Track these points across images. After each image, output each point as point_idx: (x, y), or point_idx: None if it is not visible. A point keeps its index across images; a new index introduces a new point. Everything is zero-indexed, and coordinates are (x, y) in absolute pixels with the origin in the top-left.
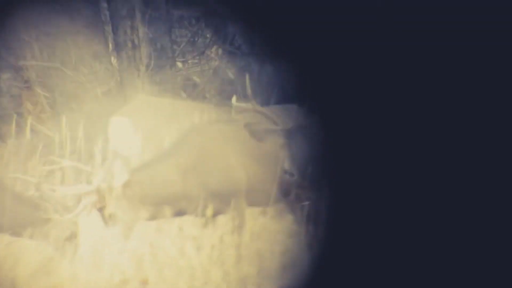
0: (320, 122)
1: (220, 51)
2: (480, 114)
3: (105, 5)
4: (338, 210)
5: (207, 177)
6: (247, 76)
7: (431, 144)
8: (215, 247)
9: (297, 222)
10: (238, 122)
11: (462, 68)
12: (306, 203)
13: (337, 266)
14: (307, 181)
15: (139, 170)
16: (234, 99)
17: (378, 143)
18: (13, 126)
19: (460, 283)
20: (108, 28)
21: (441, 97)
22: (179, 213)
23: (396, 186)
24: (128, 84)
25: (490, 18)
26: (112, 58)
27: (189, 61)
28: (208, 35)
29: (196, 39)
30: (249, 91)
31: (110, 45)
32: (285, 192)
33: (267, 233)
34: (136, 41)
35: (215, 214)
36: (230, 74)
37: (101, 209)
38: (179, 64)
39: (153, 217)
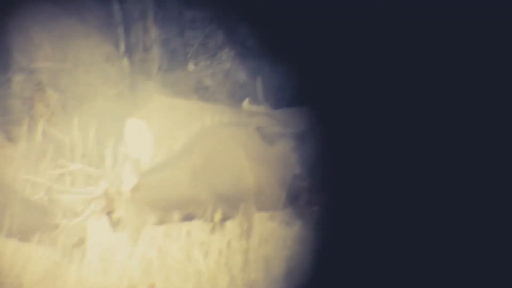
0: (330, 125)
1: (232, 53)
2: (480, 114)
3: (117, 7)
4: (346, 215)
5: (216, 181)
6: (258, 79)
7: (436, 144)
8: (223, 252)
9: (305, 228)
10: (248, 125)
11: (462, 68)
12: (316, 208)
13: (344, 272)
14: (317, 185)
15: (149, 173)
16: (246, 102)
17: (387, 147)
18: (24, 128)
19: (461, 283)
20: (120, 30)
21: (441, 96)
22: (188, 217)
23: (404, 191)
24: (139, 86)
25: (490, 18)
26: (124, 60)
27: (201, 63)
28: (220, 37)
29: (208, 41)
30: (260, 94)
31: (122, 47)
32: (294, 197)
33: (275, 239)
34: (148, 43)
35: (224, 219)
36: (242, 76)
37: (109, 213)
38: (191, 66)
39: (161, 222)
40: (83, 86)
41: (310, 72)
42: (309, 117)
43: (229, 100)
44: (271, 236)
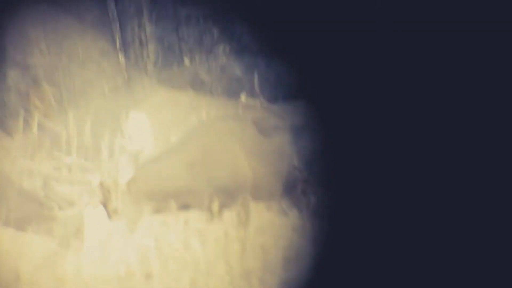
0: (326, 119)
1: (227, 48)
2: (480, 113)
3: (112, 2)
4: (343, 205)
5: (213, 173)
6: (255, 74)
7: (433, 142)
8: (220, 241)
9: (302, 217)
10: (245, 119)
11: (462, 68)
12: (312, 198)
13: (341, 261)
14: (313, 176)
15: (145, 165)
16: (243, 96)
17: (383, 140)
18: (20, 122)
19: (459, 278)
20: (116, 26)
21: (440, 95)
22: (185, 207)
23: (400, 182)
24: (135, 82)
25: (490, 18)
26: (120, 56)
27: (197, 59)
28: (215, 33)
29: (203, 36)
30: (257, 88)
31: (118, 43)
32: (291, 187)
33: (272, 228)
34: (143, 39)
35: (221, 208)
36: (238, 71)
37: (106, 204)
38: (187, 62)
39: (158, 211)
40: (79, 81)
41: (307, 68)
42: (306, 110)
43: (225, 94)
44: (268, 226)
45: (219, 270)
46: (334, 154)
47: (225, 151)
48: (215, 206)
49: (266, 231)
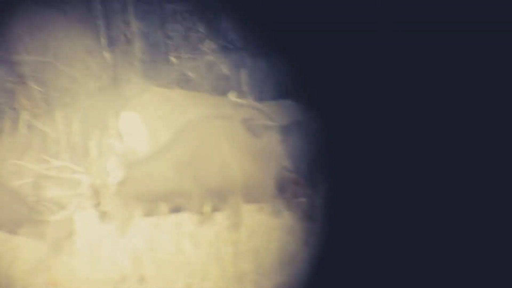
0: (316, 118)
1: (213, 45)
2: (480, 114)
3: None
4: (335, 206)
5: (203, 174)
6: (242, 72)
7: (428, 141)
8: (212, 244)
9: (294, 219)
10: (233, 118)
11: (462, 68)
12: (303, 199)
13: (334, 262)
14: (303, 177)
15: (135, 166)
16: (231, 94)
17: (374, 139)
18: (7, 121)
19: (453, 278)
20: (101, 23)
21: (439, 94)
22: (176, 209)
23: (392, 182)
24: (122, 79)
25: (490, 18)
26: (106, 53)
27: (183, 56)
28: (201, 30)
29: (189, 33)
30: (245, 86)
31: (103, 40)
32: (282, 189)
33: (264, 230)
34: (129, 36)
35: (212, 211)
36: (224, 69)
37: (96, 207)
38: (173, 59)
39: (149, 214)
40: (65, 79)
41: (297, 67)
42: (295, 109)
43: (212, 92)
44: (260, 228)
45: (212, 273)
46: (325, 154)
47: (214, 151)
48: (207, 209)
49: (259, 233)
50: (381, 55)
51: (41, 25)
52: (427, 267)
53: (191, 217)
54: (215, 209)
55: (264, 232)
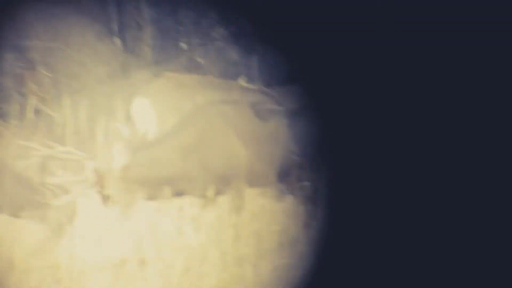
0: (322, 103)
1: (224, 32)
2: (480, 114)
3: None
4: (338, 191)
5: (208, 158)
6: (254, 57)
7: (428, 135)
8: (214, 227)
9: (296, 202)
10: (241, 103)
11: (462, 68)
12: (307, 183)
13: (336, 247)
14: (308, 162)
15: (139, 151)
16: (241, 79)
17: (378, 127)
18: (15, 106)
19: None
20: (112, 9)
21: (440, 96)
22: (179, 193)
23: (397, 168)
24: (132, 65)
25: (490, 18)
26: (116, 39)
27: (194, 42)
28: (212, 16)
29: (200, 20)
30: (255, 72)
31: (114, 26)
32: (285, 173)
33: (266, 213)
34: (140, 22)
35: (215, 194)
36: (234, 55)
37: (99, 190)
38: (184, 45)
39: (152, 197)
40: (75, 64)
41: (304, 53)
42: (303, 95)
43: (221, 78)
44: (262, 211)
45: (212, 256)
46: (329, 140)
47: (219, 136)
48: (210, 192)
49: (260, 217)
50: (387, 53)
51: (52, 11)
52: (428, 250)
53: (194, 200)
54: (218, 192)
55: (266, 216)
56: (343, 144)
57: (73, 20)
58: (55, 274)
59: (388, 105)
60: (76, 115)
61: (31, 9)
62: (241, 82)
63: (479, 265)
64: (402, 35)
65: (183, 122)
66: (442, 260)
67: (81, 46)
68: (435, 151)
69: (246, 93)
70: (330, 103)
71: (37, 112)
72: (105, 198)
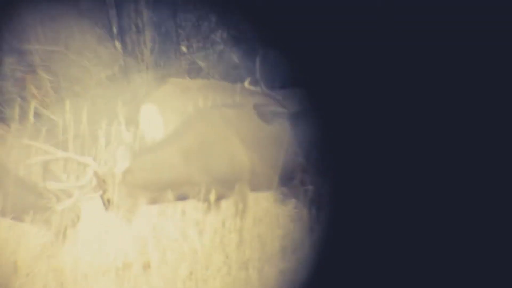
0: (324, 106)
1: (225, 35)
2: (480, 114)
3: None
4: (341, 194)
5: (210, 162)
6: (257, 60)
7: (431, 135)
8: (218, 231)
9: (299, 206)
10: (243, 106)
11: (462, 68)
12: (310, 187)
13: (339, 251)
14: (311, 165)
15: (142, 155)
16: (246, 82)
17: (382, 129)
18: (16, 110)
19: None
20: (113, 12)
21: (440, 95)
22: (182, 197)
23: (401, 171)
24: (132, 68)
25: (490, 18)
26: (116, 42)
27: (194, 45)
28: (213, 19)
29: (201, 23)
30: (258, 74)
31: (114, 29)
32: (289, 177)
33: (270, 217)
34: (140, 25)
35: (218, 198)
36: (235, 58)
37: (102, 195)
38: (184, 48)
39: (155, 201)
40: (76, 68)
41: (306, 56)
42: (305, 96)
43: (222, 81)
44: (266, 215)
45: (217, 260)
46: (334, 142)
47: (222, 139)
48: (213, 196)
49: (264, 221)
50: (387, 52)
51: (53, 14)
52: (433, 256)
53: (197, 204)
54: (221, 196)
55: (270, 220)
56: (348, 146)
57: (74, 23)
58: (58, 278)
59: (392, 106)
60: (77, 118)
61: (31, 12)
62: (245, 84)
63: (479, 265)
64: (402, 35)
65: (186, 125)
66: (449, 268)
67: (81, 50)
68: (439, 153)
69: (248, 96)
70: (333, 105)
71: (38, 115)
72: (108, 202)
